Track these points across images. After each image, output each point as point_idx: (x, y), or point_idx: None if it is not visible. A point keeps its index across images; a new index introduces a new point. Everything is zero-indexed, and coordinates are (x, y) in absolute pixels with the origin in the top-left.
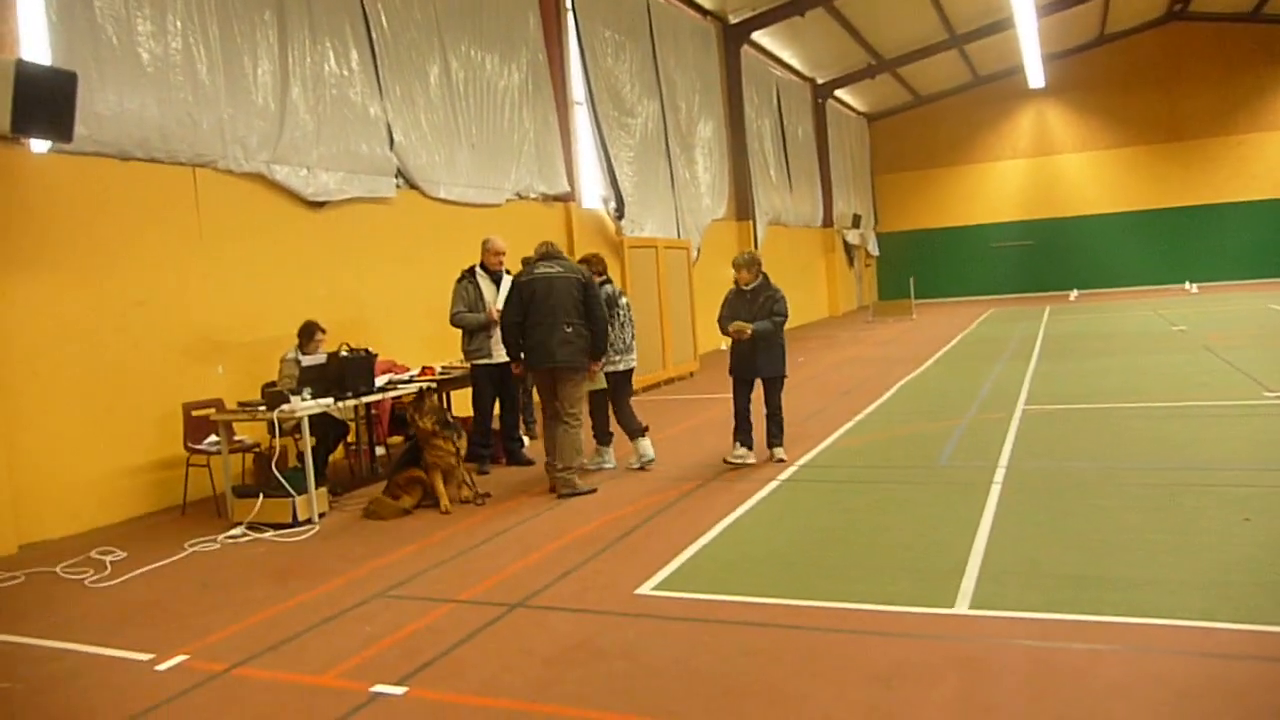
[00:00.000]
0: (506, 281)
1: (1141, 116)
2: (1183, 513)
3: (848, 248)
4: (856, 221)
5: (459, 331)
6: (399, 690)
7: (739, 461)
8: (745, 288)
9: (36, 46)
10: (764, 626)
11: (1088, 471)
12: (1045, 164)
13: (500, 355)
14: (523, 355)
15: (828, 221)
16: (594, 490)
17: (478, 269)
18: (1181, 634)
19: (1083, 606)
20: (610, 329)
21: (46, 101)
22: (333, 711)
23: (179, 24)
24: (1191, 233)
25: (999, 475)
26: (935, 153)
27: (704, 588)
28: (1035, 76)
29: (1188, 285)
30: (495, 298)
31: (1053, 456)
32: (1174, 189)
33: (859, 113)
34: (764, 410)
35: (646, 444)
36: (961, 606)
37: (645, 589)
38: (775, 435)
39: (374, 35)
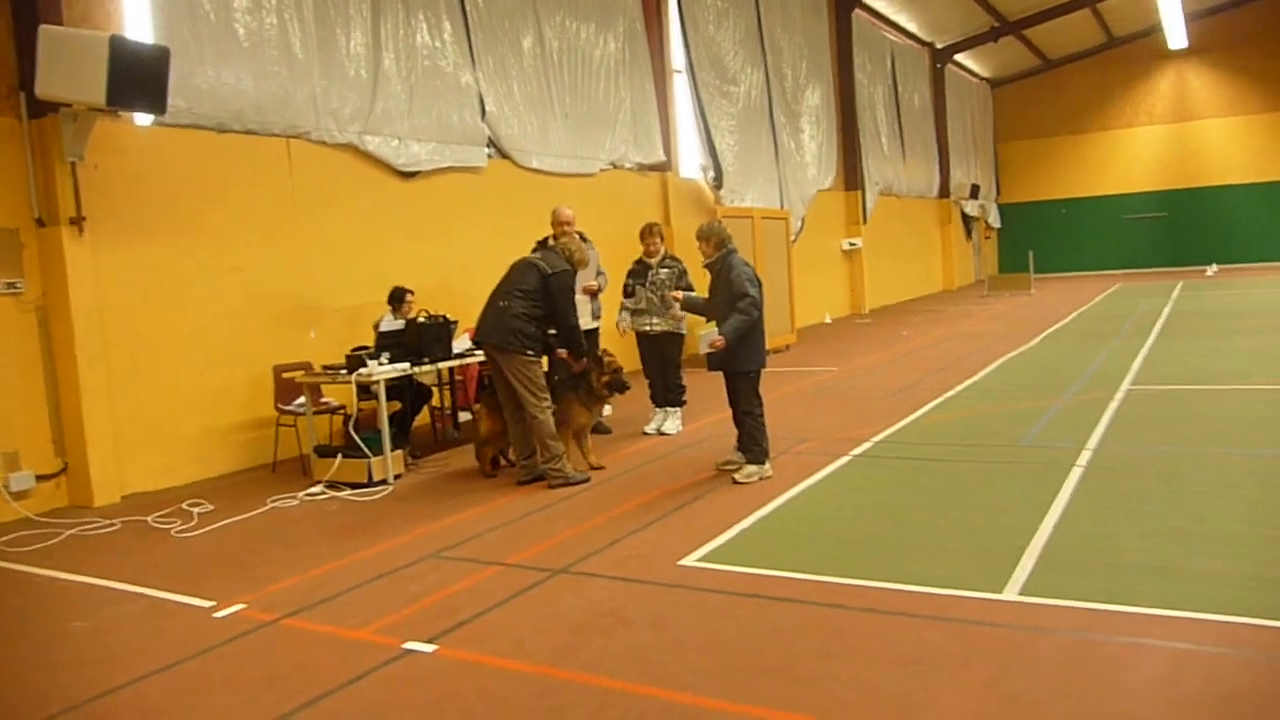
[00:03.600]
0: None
1: None
2: (1278, 505)
3: (965, 219)
4: (975, 192)
5: None
6: (429, 648)
7: (728, 469)
8: (705, 263)
9: (139, 24)
10: (799, 603)
11: (1182, 456)
12: (1184, 130)
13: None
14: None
15: (944, 192)
16: (587, 479)
17: (550, 241)
18: (1244, 631)
19: (1139, 598)
20: (653, 294)
21: (141, 76)
22: (363, 664)
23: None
24: None
25: (1084, 458)
26: (1063, 119)
27: (749, 561)
28: (1176, 37)
29: None
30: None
31: (1147, 440)
32: None
33: (981, 78)
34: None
35: (674, 416)
36: (1010, 593)
37: (689, 560)
38: (746, 447)
39: (466, 6)
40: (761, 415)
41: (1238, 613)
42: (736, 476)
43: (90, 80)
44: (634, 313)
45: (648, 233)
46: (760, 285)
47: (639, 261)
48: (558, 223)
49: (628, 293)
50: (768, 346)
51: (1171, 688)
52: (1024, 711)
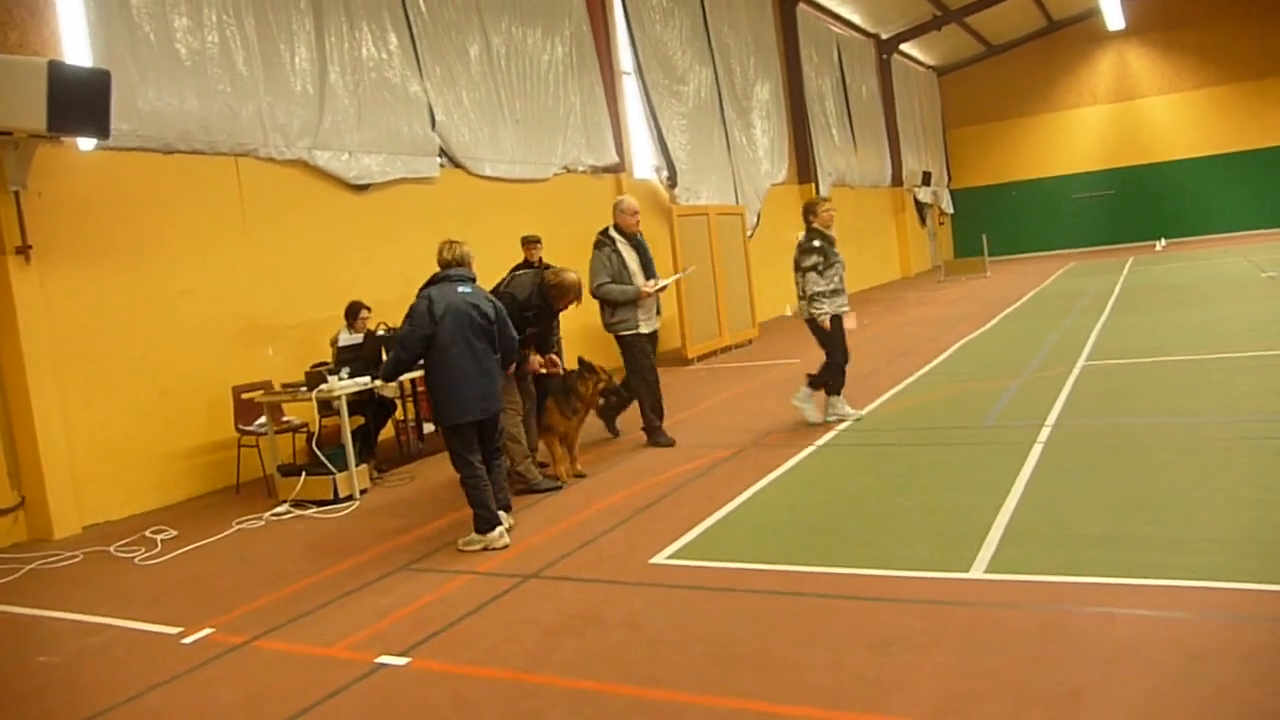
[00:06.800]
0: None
1: (1230, 53)
2: (1233, 468)
3: (919, 206)
4: (927, 179)
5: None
6: (402, 661)
7: (470, 550)
8: None
9: (76, 48)
10: (771, 594)
11: (1139, 428)
12: (1127, 109)
13: (648, 326)
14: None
15: (897, 180)
16: (558, 487)
17: (613, 232)
18: (1204, 595)
19: (1103, 568)
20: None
21: (82, 100)
22: (337, 681)
23: (215, 17)
24: None
25: (1043, 434)
26: (1010, 104)
27: (719, 556)
28: (1114, 18)
29: None
30: (638, 265)
31: (1105, 413)
32: (1268, 128)
33: (927, 66)
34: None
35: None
36: (977, 570)
37: (660, 558)
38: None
39: (411, 16)
40: (471, 478)
41: (1198, 577)
42: (459, 544)
43: (30, 106)
44: (831, 293)
45: (821, 205)
46: (431, 320)
47: (823, 236)
48: (629, 213)
49: (820, 270)
50: (726, 342)
51: (1137, 654)
52: (996, 685)
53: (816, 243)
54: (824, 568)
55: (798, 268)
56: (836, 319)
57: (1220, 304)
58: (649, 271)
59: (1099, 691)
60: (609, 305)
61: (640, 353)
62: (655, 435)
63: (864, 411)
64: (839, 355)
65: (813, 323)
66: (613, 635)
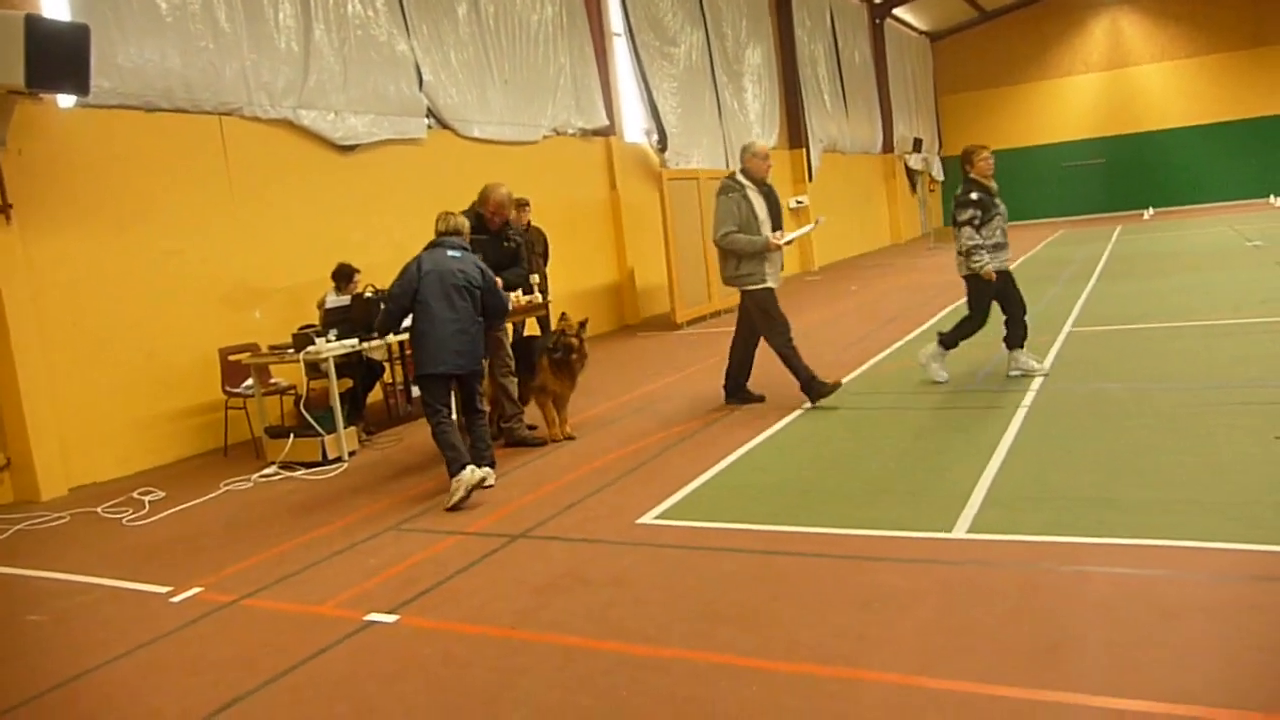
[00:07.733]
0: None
1: (1223, 22)
2: (1212, 432)
3: (910, 173)
4: (918, 146)
5: None
6: (391, 618)
7: (454, 503)
8: None
9: (54, 2)
10: (756, 553)
11: (1122, 393)
12: (1119, 77)
13: (775, 280)
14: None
15: (888, 147)
16: (542, 442)
17: (740, 177)
18: (1179, 554)
19: (1083, 529)
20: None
21: (61, 55)
22: (326, 638)
23: None
24: (1277, 143)
25: (1028, 399)
26: (1002, 71)
27: (705, 516)
28: None
29: (1272, 199)
30: (766, 214)
31: (1089, 379)
32: (1260, 97)
33: (920, 32)
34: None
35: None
36: (959, 531)
37: (647, 518)
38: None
39: None
40: (437, 425)
41: (1174, 537)
42: (445, 505)
43: (7, 62)
44: (993, 248)
45: (979, 153)
46: (417, 275)
47: (981, 187)
48: (761, 157)
49: (976, 223)
50: (716, 307)
51: (1113, 610)
52: (976, 640)
53: (974, 195)
54: (808, 528)
55: (954, 222)
56: (1005, 274)
57: (1206, 272)
58: (776, 222)
59: (1074, 645)
60: (734, 257)
61: (771, 306)
62: (813, 386)
63: (1046, 364)
64: (1015, 309)
65: (971, 278)
66: (600, 593)
